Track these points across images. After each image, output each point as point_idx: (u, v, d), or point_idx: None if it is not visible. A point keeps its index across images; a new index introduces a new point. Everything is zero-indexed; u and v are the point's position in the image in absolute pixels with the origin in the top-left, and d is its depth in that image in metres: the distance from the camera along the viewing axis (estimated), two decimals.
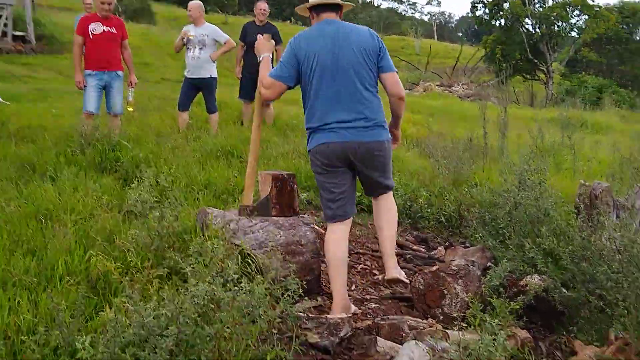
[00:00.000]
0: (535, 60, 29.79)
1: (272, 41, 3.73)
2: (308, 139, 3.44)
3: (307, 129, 3.44)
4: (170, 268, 3.09)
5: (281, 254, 3.40)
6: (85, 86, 6.32)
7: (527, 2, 29.62)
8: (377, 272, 4.27)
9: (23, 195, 4.34)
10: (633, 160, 6.33)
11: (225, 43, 7.52)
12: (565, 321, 3.38)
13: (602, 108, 19.69)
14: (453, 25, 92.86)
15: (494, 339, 2.24)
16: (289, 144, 6.91)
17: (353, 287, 3.96)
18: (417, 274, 3.64)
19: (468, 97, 22.09)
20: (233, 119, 8.68)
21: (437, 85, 23.84)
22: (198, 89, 7.52)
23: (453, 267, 3.52)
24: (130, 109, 6.97)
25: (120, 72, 6.59)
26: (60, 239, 3.38)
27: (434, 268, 3.54)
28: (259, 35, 3.74)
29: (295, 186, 3.93)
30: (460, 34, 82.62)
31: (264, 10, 8.22)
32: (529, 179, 4.21)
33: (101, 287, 2.97)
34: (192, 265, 2.64)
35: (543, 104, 22.88)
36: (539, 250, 3.44)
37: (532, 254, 3.41)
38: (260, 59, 3.59)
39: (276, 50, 8.28)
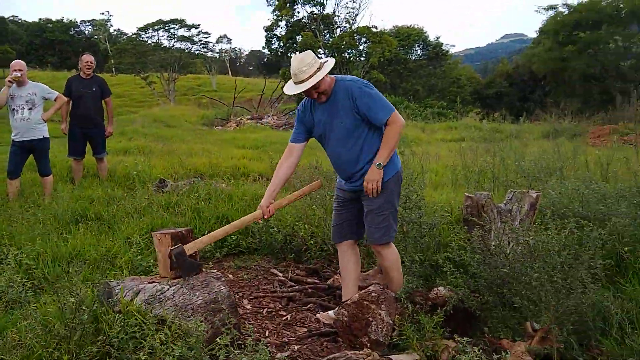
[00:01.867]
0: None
1: None
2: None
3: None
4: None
5: (203, 315, 3.23)
6: None
7: (318, 34, 31.58)
8: (284, 313, 4.20)
9: None
10: (464, 168, 7.04)
11: (55, 100, 6.95)
12: (477, 324, 3.63)
13: None
14: (244, 59, 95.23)
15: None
16: (140, 197, 6.50)
17: (267, 333, 3.86)
18: (339, 307, 3.66)
19: (280, 127, 22.76)
20: (62, 178, 7.98)
21: (248, 119, 24.19)
22: (29, 152, 6.80)
23: (373, 294, 3.59)
24: None
25: None
26: None
27: (356, 298, 3.59)
28: None
29: None
30: (251, 68, 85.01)
31: (90, 62, 7.82)
32: (409, 198, 4.47)
33: None
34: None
35: None
36: (448, 262, 3.66)
37: (445, 267, 3.62)
38: None
39: (106, 103, 7.88)
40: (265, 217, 3.72)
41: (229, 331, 2.60)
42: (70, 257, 4.56)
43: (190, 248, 3.55)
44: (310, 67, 3.43)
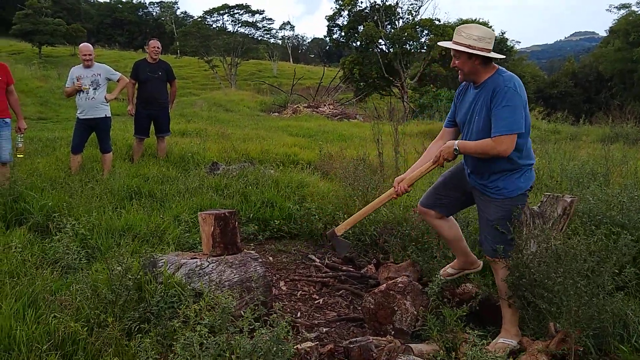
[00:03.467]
0: (391, 78, 31.70)
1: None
2: (521, 177, 3.47)
3: (526, 165, 3.48)
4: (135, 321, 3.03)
5: (237, 292, 3.46)
6: None
7: (379, 24, 31.46)
8: (317, 297, 4.40)
9: None
10: None
11: (118, 81, 7.38)
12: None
13: None
14: (305, 47, 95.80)
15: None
16: (193, 178, 6.83)
17: (299, 314, 4.06)
18: (366, 295, 3.83)
19: (335, 117, 22.94)
20: (122, 156, 8.42)
21: (305, 107, 24.47)
22: (92, 129, 7.25)
23: (400, 285, 3.75)
24: (20, 156, 6.52)
25: (7, 120, 6.19)
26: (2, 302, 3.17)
27: (383, 287, 3.75)
28: None
29: (237, 223, 3.97)
30: (312, 56, 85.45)
31: (157, 48, 8.25)
32: None
33: (68, 348, 2.83)
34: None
35: (404, 118, 24.33)
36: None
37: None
38: None
39: (170, 85, 8.28)
40: (399, 193, 3.70)
41: (256, 307, 2.81)
42: (122, 230, 4.88)
43: (340, 229, 3.94)
44: (469, 39, 3.32)
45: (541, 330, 3.44)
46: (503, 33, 41.61)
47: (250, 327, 2.53)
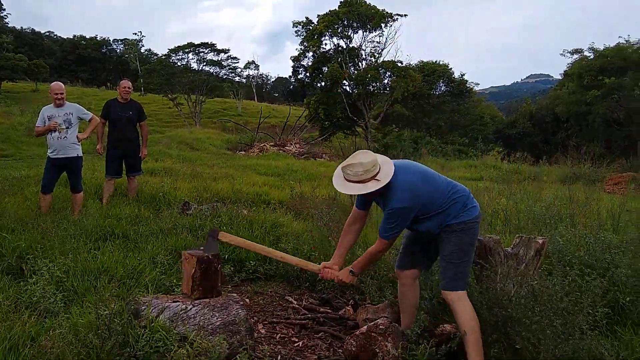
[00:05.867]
0: (355, 118, 32.26)
1: None
2: (450, 212, 3.65)
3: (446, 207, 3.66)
4: None
5: (221, 336, 3.46)
6: None
7: (343, 66, 32.10)
8: (296, 340, 4.41)
9: None
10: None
11: (90, 121, 7.35)
12: None
13: (421, 158, 21.86)
14: (270, 86, 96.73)
15: None
16: (166, 218, 6.80)
17: (279, 358, 4.06)
18: (348, 337, 3.87)
19: (302, 155, 23.12)
20: (91, 195, 8.32)
21: (271, 145, 24.61)
22: (63, 168, 7.17)
23: (380, 326, 3.80)
24: None
25: None
26: None
27: (364, 329, 3.80)
28: None
29: (219, 267, 3.99)
30: (277, 95, 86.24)
31: (128, 88, 8.27)
32: None
33: None
34: None
35: None
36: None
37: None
38: None
39: (141, 127, 8.28)
40: (321, 276, 4.05)
41: (245, 351, 2.83)
42: (98, 272, 4.82)
43: (224, 236, 4.05)
44: (366, 173, 3.55)
45: None
46: (462, 75, 42.86)
47: None
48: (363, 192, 3.58)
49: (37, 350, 3.19)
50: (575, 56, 39.06)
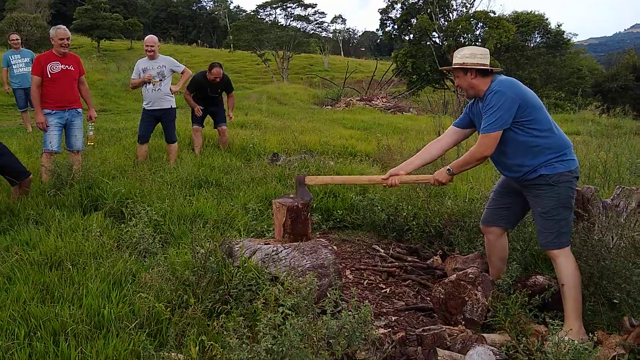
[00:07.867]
0: (444, 71, 31.30)
1: None
2: (553, 161, 3.47)
3: (554, 152, 3.48)
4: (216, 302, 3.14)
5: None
6: (47, 126, 6.12)
7: (433, 17, 31.10)
8: (383, 286, 4.43)
9: (19, 242, 4.18)
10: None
11: (182, 73, 7.52)
12: None
13: None
14: (356, 41, 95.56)
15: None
16: (256, 168, 6.97)
17: (366, 302, 4.10)
18: (437, 285, 3.84)
19: (388, 110, 22.82)
20: (185, 146, 8.64)
21: (358, 100, 24.43)
22: (158, 120, 7.46)
23: (470, 275, 3.74)
24: (91, 144, 6.78)
25: (80, 110, 6.43)
26: (88, 284, 3.34)
27: (454, 277, 3.75)
28: None
29: (309, 215, 4.04)
30: (363, 49, 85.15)
31: (220, 75, 8.20)
32: None
33: (151, 326, 2.97)
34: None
35: (458, 111, 23.94)
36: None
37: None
38: None
39: (229, 97, 8.48)
40: (388, 184, 3.92)
41: (335, 291, 2.87)
42: (193, 216, 5.03)
43: (311, 179, 4.12)
44: (462, 58, 3.58)
45: (613, 323, 3.38)
46: (559, 25, 40.35)
47: (334, 309, 2.59)
48: (461, 67, 3.56)
49: (138, 285, 3.40)
50: None
